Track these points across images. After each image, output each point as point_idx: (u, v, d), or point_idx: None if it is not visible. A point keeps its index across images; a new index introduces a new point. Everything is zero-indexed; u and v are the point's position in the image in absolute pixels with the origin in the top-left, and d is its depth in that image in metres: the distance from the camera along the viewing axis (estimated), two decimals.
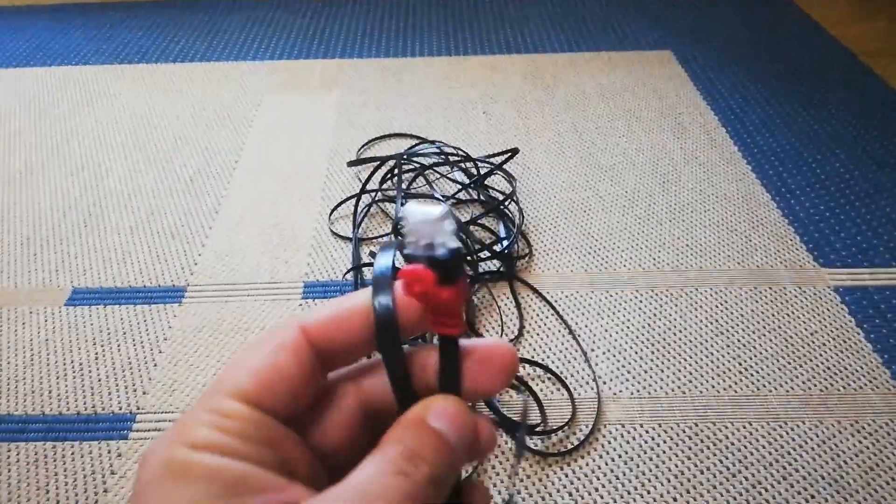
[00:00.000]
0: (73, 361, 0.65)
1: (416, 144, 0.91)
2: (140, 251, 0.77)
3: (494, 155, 0.87)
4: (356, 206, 0.80)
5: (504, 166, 0.87)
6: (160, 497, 0.15)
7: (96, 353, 0.66)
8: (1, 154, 0.94)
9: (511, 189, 0.82)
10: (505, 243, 0.75)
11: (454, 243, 0.19)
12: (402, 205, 0.74)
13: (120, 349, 0.66)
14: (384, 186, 0.83)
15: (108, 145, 0.95)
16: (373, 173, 0.83)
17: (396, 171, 0.82)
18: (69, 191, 0.86)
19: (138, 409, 0.61)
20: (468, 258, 0.69)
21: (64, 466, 0.56)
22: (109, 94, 1.07)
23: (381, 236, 0.78)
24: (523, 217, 0.80)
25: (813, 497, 0.54)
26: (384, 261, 0.21)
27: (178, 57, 1.17)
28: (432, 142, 0.91)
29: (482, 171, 0.85)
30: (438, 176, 0.86)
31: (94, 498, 0.54)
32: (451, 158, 0.87)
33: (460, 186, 0.83)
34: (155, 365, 0.64)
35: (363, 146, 0.93)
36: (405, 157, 0.85)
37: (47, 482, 0.55)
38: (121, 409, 0.61)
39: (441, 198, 0.77)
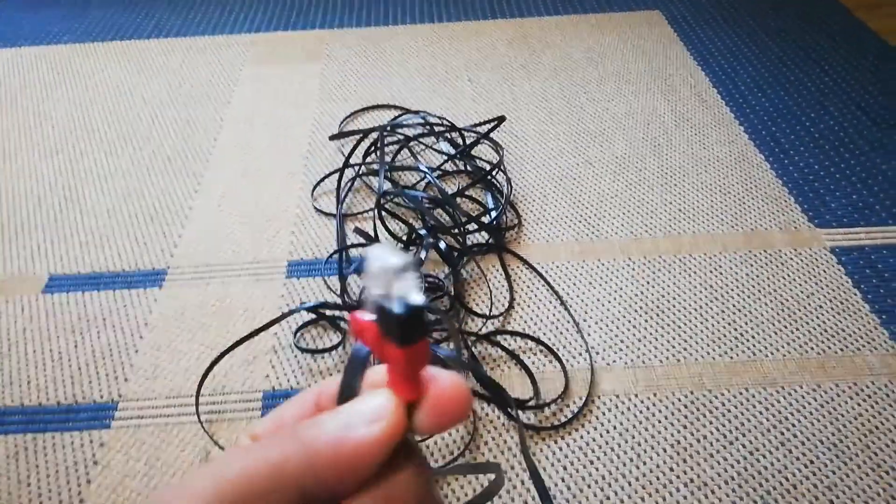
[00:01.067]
0: (51, 350, 0.63)
1: (400, 115, 0.89)
2: (118, 234, 0.75)
3: (481, 124, 0.84)
4: (339, 181, 0.77)
5: (491, 135, 0.85)
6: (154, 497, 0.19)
7: (75, 341, 0.64)
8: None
9: (498, 158, 0.80)
10: (493, 214, 0.73)
11: (416, 300, 0.17)
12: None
13: (100, 336, 0.64)
14: (368, 160, 0.81)
15: (82, 126, 0.92)
16: (356, 146, 0.80)
17: (379, 143, 0.80)
18: (44, 175, 0.84)
19: (120, 396, 0.59)
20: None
21: (45, 458, 0.55)
22: (83, 73, 1.04)
23: (366, 211, 0.76)
24: (511, 187, 0.78)
25: (812, 462, 0.53)
26: (359, 351, 0.21)
27: (153, 32, 1.14)
28: (416, 112, 0.88)
29: (468, 141, 0.83)
30: (423, 147, 0.84)
31: (76, 489, 0.53)
32: (437, 129, 0.85)
33: (446, 157, 0.80)
34: (136, 351, 0.63)
35: (346, 119, 0.91)
36: (388, 128, 0.83)
37: (28, 475, 0.54)
38: (102, 397, 0.59)
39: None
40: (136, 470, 0.54)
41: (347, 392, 0.20)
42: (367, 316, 0.19)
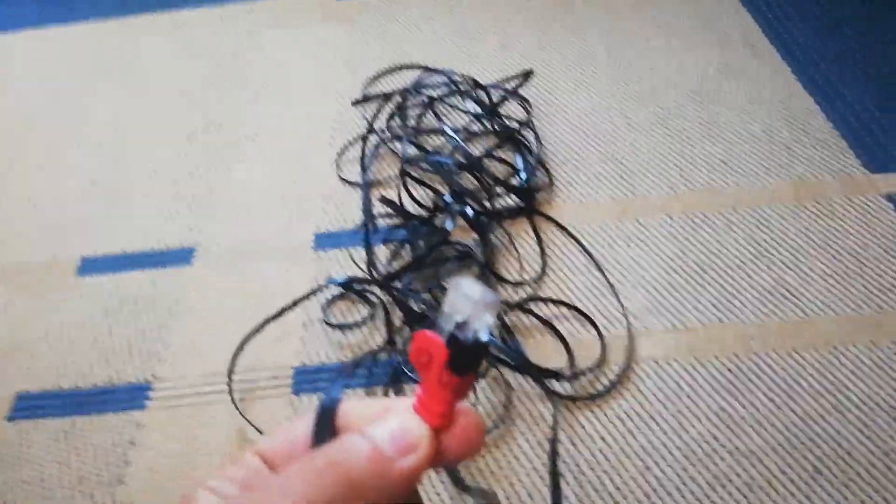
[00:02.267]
0: (86, 333, 0.64)
1: (423, 76, 0.85)
2: (148, 214, 0.75)
3: (508, 80, 0.80)
4: (363, 148, 0.75)
5: (520, 92, 0.81)
6: None
7: (109, 324, 0.64)
8: (22, 133, 0.91)
9: (527, 116, 0.76)
10: (523, 176, 0.70)
11: (485, 336, 0.19)
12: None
13: (133, 317, 0.64)
14: (391, 125, 0.79)
15: (113, 106, 0.91)
16: (378, 112, 0.78)
17: (401, 107, 0.77)
18: (75, 156, 0.84)
19: (154, 377, 0.59)
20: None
21: (84, 441, 0.56)
22: (117, 51, 1.03)
23: (391, 179, 0.73)
24: (542, 145, 0.74)
25: (868, 426, 0.50)
26: (332, 395, 0.21)
27: (157, 6, 1.12)
28: (440, 71, 0.85)
29: (494, 99, 0.79)
30: (449, 108, 0.81)
31: (116, 471, 0.53)
32: (461, 87, 0.81)
33: (472, 117, 0.77)
34: (169, 331, 0.63)
35: (369, 82, 0.88)
36: (411, 90, 0.80)
37: (69, 457, 0.55)
38: (137, 378, 0.59)
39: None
40: (173, 450, 0.54)
41: (321, 440, 0.20)
42: (435, 337, 0.19)
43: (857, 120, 0.73)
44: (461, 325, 0.19)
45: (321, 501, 0.18)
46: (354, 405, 0.22)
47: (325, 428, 0.20)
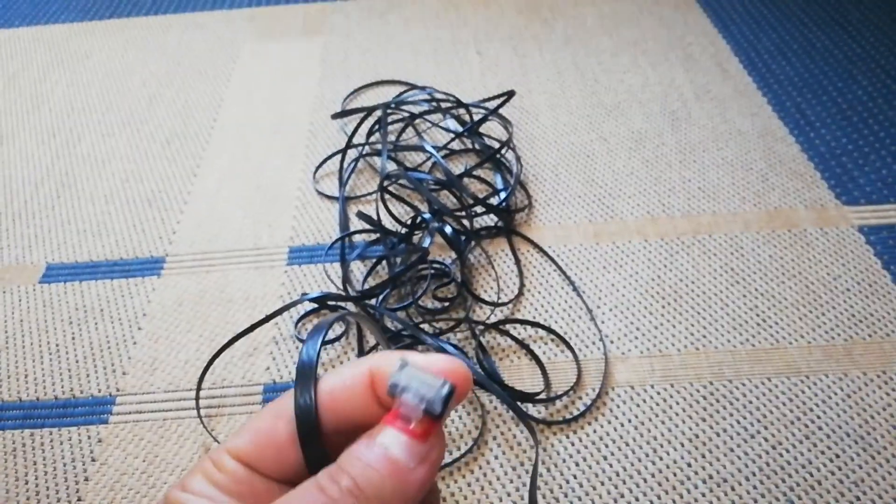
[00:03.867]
0: (48, 343, 0.61)
1: (404, 91, 0.85)
2: (116, 221, 0.73)
3: (489, 99, 0.81)
4: (342, 162, 0.75)
5: (500, 111, 0.81)
6: None
7: (73, 333, 0.62)
8: None
9: (507, 136, 0.76)
10: (502, 195, 0.69)
11: (446, 390, 0.18)
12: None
13: (98, 327, 0.62)
14: (371, 139, 0.78)
15: (79, 109, 0.90)
16: (358, 126, 0.77)
17: (382, 122, 0.76)
18: (41, 160, 0.82)
19: (118, 390, 0.57)
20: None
21: (43, 455, 0.54)
22: (80, 53, 1.01)
23: (369, 194, 0.73)
24: (521, 166, 0.74)
25: (838, 456, 0.50)
26: (311, 347, 0.20)
27: (150, 9, 1.10)
28: (422, 88, 0.85)
29: (476, 118, 0.79)
30: (430, 125, 0.80)
31: (74, 487, 0.51)
32: (442, 105, 0.81)
33: (452, 135, 0.77)
34: (134, 343, 0.61)
35: (349, 96, 0.88)
36: (392, 105, 0.80)
37: (26, 472, 0.53)
38: (100, 391, 0.57)
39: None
40: (135, 467, 0.52)
41: (306, 412, 0.19)
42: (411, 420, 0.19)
43: (829, 152, 0.75)
44: (423, 401, 0.18)
45: None
46: (331, 382, 0.20)
47: (309, 418, 0.19)
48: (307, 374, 0.20)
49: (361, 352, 0.58)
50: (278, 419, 0.20)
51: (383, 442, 0.18)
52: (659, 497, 0.49)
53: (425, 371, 0.19)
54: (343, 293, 0.62)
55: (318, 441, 0.20)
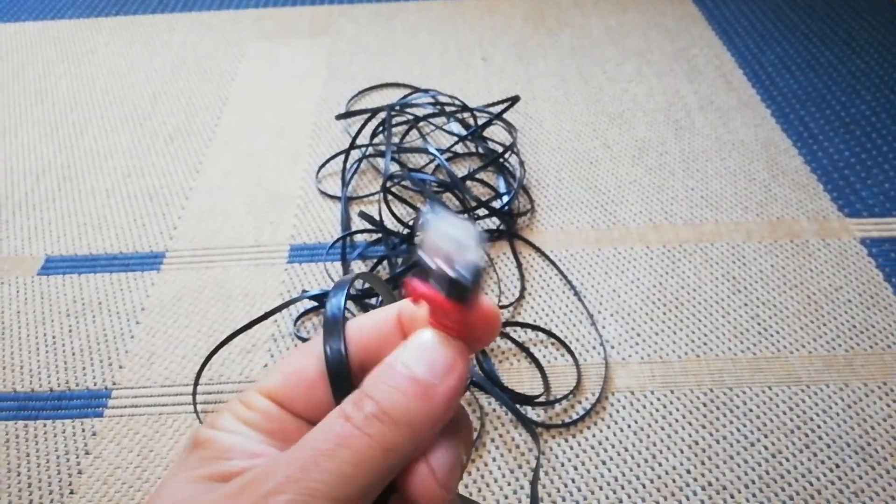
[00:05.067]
0: (45, 335, 0.61)
1: (409, 94, 0.85)
2: (117, 215, 0.72)
3: (493, 104, 0.81)
4: (345, 162, 0.74)
5: (504, 116, 0.81)
6: (178, 459, 0.19)
7: (70, 326, 0.62)
8: None
9: (511, 140, 0.76)
10: (505, 199, 0.69)
11: (480, 262, 0.17)
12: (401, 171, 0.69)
13: (95, 321, 0.62)
14: (375, 141, 0.78)
15: (83, 104, 0.89)
16: (363, 127, 0.77)
17: (386, 124, 0.76)
18: (43, 153, 0.81)
19: (114, 384, 0.57)
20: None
21: (36, 447, 0.53)
22: (86, 49, 1.01)
23: (371, 195, 0.73)
24: (524, 170, 0.74)
25: (838, 466, 0.50)
26: (336, 300, 0.20)
27: (157, 7, 1.11)
28: (426, 91, 0.85)
29: (480, 122, 0.79)
30: (433, 128, 0.80)
31: (67, 479, 0.51)
32: (447, 108, 0.81)
33: (457, 138, 0.77)
34: (132, 337, 0.60)
35: (353, 97, 0.88)
36: (397, 108, 0.80)
37: (18, 463, 0.52)
38: (95, 384, 0.57)
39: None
40: (128, 461, 0.52)
41: (336, 357, 0.19)
42: (422, 285, 0.18)
43: (832, 165, 0.75)
44: (449, 263, 0.17)
45: (389, 462, 0.17)
46: (360, 324, 0.20)
47: (339, 362, 0.19)
48: (336, 320, 0.20)
49: None
50: (309, 357, 0.20)
51: (406, 362, 0.18)
52: (658, 503, 0.48)
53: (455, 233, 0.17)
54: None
55: (348, 380, 0.19)
